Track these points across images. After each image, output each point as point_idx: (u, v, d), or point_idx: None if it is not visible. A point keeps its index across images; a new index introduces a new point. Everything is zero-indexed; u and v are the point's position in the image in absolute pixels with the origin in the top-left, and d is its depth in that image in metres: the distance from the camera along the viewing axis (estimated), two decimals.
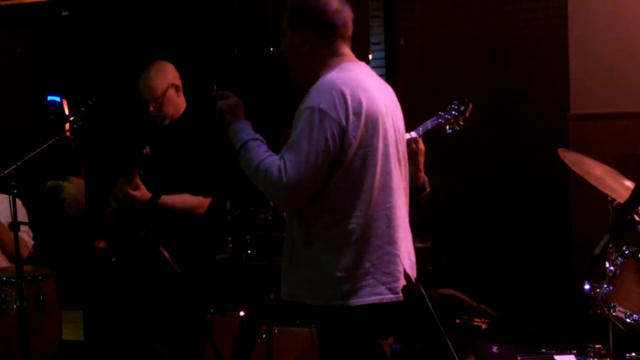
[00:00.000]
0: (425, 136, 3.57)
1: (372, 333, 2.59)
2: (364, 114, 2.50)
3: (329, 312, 2.55)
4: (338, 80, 2.51)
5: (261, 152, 2.53)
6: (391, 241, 2.59)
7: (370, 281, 2.53)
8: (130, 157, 3.80)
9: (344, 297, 2.52)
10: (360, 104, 2.50)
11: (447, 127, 3.55)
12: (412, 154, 3.44)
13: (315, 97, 2.49)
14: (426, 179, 3.62)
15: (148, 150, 3.63)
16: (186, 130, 3.87)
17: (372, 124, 2.53)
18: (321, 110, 2.45)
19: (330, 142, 2.45)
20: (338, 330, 2.57)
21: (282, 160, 2.46)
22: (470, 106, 3.52)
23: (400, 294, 2.57)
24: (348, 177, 2.51)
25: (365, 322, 2.55)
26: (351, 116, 2.48)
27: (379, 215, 2.56)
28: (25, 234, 4.64)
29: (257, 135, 2.61)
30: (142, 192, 3.67)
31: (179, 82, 3.92)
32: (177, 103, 3.92)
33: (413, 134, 3.51)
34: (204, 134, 3.82)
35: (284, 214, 2.74)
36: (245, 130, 2.60)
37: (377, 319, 2.58)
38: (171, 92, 3.88)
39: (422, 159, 3.47)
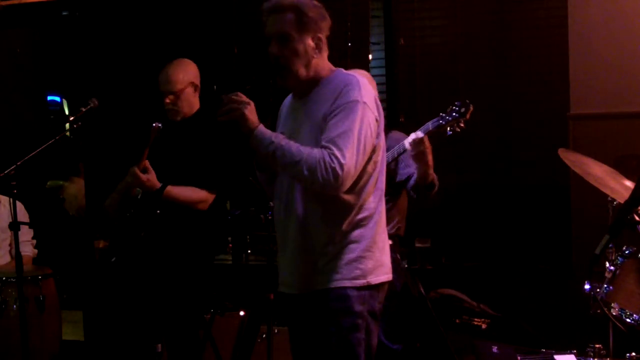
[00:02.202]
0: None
1: (377, 311, 2.73)
2: (382, 115, 2.73)
3: (352, 290, 2.64)
4: (366, 83, 2.70)
5: (300, 147, 2.62)
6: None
7: (383, 261, 2.74)
8: (140, 129, 3.80)
9: (367, 275, 2.67)
10: (380, 105, 2.73)
11: (448, 129, 3.57)
12: (420, 153, 3.50)
13: (355, 92, 2.64)
14: (435, 176, 3.66)
15: (160, 125, 3.64)
16: (196, 128, 3.89)
17: (382, 124, 2.74)
18: (365, 104, 2.63)
19: (373, 133, 2.65)
20: (357, 309, 2.65)
21: (333, 147, 2.56)
22: (471, 108, 3.54)
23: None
24: (374, 167, 2.70)
25: (376, 300, 2.71)
26: (380, 115, 2.71)
27: (382, 204, 2.77)
28: (30, 245, 4.64)
29: (280, 134, 2.71)
30: (149, 177, 3.67)
31: (198, 83, 4.00)
32: (192, 102, 3.98)
33: (419, 133, 3.54)
34: (214, 132, 3.84)
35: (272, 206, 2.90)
36: (269, 132, 2.68)
37: (382, 296, 2.75)
38: (190, 90, 3.95)
39: (430, 157, 3.54)
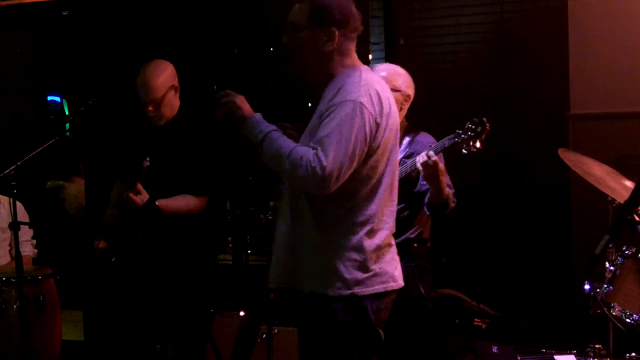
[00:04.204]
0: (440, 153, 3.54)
1: (376, 321, 2.65)
2: (391, 116, 2.64)
3: (337, 301, 2.59)
4: (372, 81, 2.63)
5: (289, 142, 2.57)
6: (390, 235, 2.71)
7: (377, 270, 2.62)
8: (130, 164, 3.79)
9: (353, 285, 2.58)
10: (389, 105, 2.64)
11: (464, 147, 3.49)
12: (432, 175, 3.42)
13: (354, 91, 2.56)
14: (451, 194, 3.58)
15: (148, 163, 3.62)
16: (180, 131, 3.86)
17: (394, 126, 2.67)
18: (362, 104, 2.54)
19: (368, 135, 2.54)
20: (343, 319, 2.60)
21: (319, 147, 2.50)
22: (487, 128, 3.45)
23: (399, 281, 2.69)
24: (372, 171, 2.61)
25: (370, 310, 2.62)
26: (383, 115, 2.60)
27: (387, 211, 2.68)
28: (30, 245, 4.64)
29: (275, 127, 2.65)
30: (143, 197, 3.66)
31: (177, 83, 3.88)
32: (174, 104, 3.88)
33: (431, 153, 3.45)
34: (198, 133, 3.82)
35: (276, 202, 2.85)
36: (263, 122, 2.65)
37: (380, 306, 2.65)
38: (171, 93, 3.83)
39: (443, 178, 3.46)
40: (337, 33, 2.65)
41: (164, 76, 3.80)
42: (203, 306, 4.04)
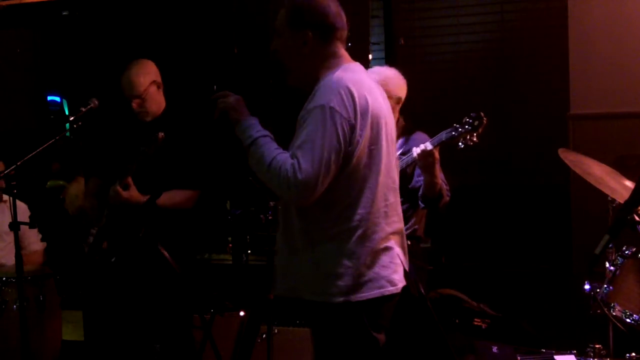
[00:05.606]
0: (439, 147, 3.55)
1: (372, 326, 2.60)
2: (369, 113, 2.55)
3: (330, 309, 2.56)
4: (345, 80, 2.55)
5: (273, 149, 2.54)
6: (388, 237, 2.63)
7: (372, 275, 2.57)
8: (117, 160, 3.82)
9: (346, 292, 2.54)
10: (367, 103, 2.55)
11: (461, 141, 3.51)
12: (427, 165, 3.43)
13: (324, 95, 2.52)
14: (445, 187, 3.59)
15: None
16: (167, 128, 3.89)
17: (376, 123, 2.58)
18: (332, 108, 2.48)
19: (342, 140, 2.48)
20: (339, 326, 2.58)
21: (295, 158, 2.47)
22: (485, 122, 3.48)
23: (398, 285, 2.63)
24: (355, 174, 2.55)
25: (366, 316, 2.57)
26: (359, 115, 2.52)
27: (380, 213, 2.61)
28: (38, 242, 4.65)
29: (267, 132, 2.63)
30: (131, 193, 3.69)
31: (159, 79, 3.99)
32: (159, 100, 3.99)
33: (429, 145, 3.49)
34: (188, 128, 3.87)
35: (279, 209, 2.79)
36: (254, 127, 2.62)
37: (377, 312, 2.61)
38: (153, 88, 3.94)
39: (437, 169, 3.47)
40: (311, 36, 2.63)
41: (143, 72, 3.94)
42: (190, 305, 4.04)
